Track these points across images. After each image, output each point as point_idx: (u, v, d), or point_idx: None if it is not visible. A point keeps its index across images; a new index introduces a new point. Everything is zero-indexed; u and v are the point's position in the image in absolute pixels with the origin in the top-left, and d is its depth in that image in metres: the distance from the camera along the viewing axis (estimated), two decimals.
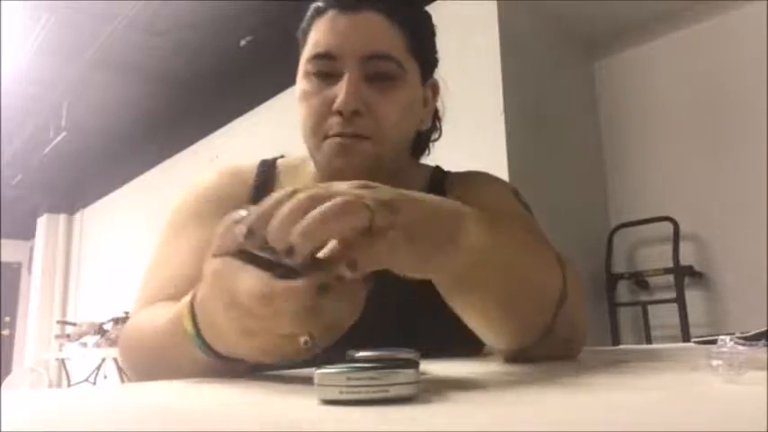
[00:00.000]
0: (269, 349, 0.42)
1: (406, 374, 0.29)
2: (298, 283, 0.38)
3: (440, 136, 0.87)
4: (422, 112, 0.77)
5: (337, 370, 0.29)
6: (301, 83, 0.72)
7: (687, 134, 2.97)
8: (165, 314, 0.54)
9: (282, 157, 0.85)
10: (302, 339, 0.39)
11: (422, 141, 0.85)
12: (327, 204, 0.37)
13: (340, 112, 0.67)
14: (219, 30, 3.65)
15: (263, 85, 3.83)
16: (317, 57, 0.69)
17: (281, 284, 0.38)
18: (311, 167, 0.77)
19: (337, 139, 0.68)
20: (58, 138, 5.09)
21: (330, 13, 0.69)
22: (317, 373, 0.30)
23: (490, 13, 2.68)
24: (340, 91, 0.67)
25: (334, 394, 0.29)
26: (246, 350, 0.43)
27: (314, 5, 0.72)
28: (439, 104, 0.83)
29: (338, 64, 0.68)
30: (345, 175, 0.70)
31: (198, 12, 3.51)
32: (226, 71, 4.08)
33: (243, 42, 3.72)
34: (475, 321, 0.50)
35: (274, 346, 0.41)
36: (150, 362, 0.57)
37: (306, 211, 0.37)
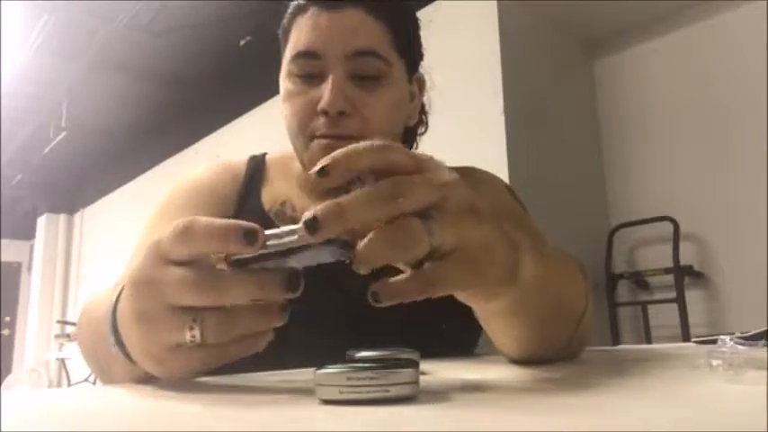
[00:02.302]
0: (156, 349, 0.36)
1: (406, 374, 0.29)
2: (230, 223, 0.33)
3: (426, 130, 0.87)
4: (408, 108, 0.76)
5: (337, 370, 0.29)
6: (285, 83, 0.71)
7: (687, 134, 2.97)
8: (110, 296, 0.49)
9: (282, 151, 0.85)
10: (188, 333, 0.33)
11: (409, 137, 0.84)
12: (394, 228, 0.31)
13: (326, 113, 0.66)
14: (219, 30, 3.65)
15: (263, 85, 3.83)
16: (300, 56, 0.68)
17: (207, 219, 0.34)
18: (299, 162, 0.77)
19: (323, 141, 0.67)
20: (58, 138, 5.09)
21: (311, 11, 0.68)
22: (317, 372, 0.30)
23: (490, 13, 2.67)
24: (325, 91, 0.66)
25: (333, 394, 0.29)
26: (137, 347, 0.37)
27: (294, 3, 0.71)
28: (425, 99, 0.82)
29: (322, 63, 0.67)
30: None
31: (198, 12, 3.51)
32: (226, 71, 4.08)
33: (243, 42, 3.72)
34: (503, 338, 0.48)
35: (163, 344, 0.35)
36: (88, 346, 0.54)
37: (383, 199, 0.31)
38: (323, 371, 0.30)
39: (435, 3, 2.69)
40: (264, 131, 3.80)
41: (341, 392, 0.29)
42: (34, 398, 0.40)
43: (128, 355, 0.39)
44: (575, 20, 3.04)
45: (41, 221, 7.01)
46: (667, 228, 2.85)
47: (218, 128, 4.51)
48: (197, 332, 0.34)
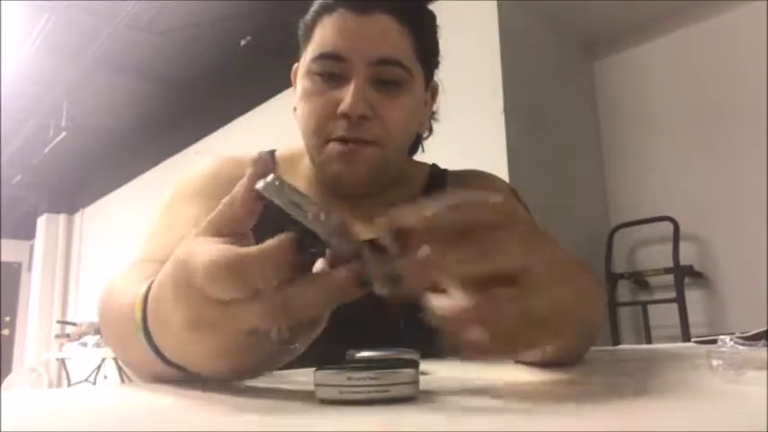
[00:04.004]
0: (225, 349, 0.33)
1: (406, 374, 0.29)
2: (276, 242, 0.30)
3: (430, 134, 0.87)
4: (422, 115, 0.77)
5: (337, 370, 0.29)
6: (304, 81, 0.70)
7: (687, 134, 2.97)
8: (133, 288, 0.46)
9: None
10: (273, 332, 0.31)
11: (415, 141, 0.85)
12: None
13: (346, 116, 0.66)
14: (219, 30, 3.65)
15: (263, 84, 3.83)
16: (324, 57, 0.67)
17: (252, 250, 0.31)
18: (308, 160, 0.77)
19: (340, 145, 0.67)
20: (58, 138, 5.09)
21: (339, 12, 0.67)
22: (317, 372, 0.30)
23: (490, 13, 2.67)
24: (347, 94, 0.65)
25: (333, 394, 0.29)
26: (193, 351, 0.35)
27: (320, 1, 0.70)
28: (435, 106, 0.83)
29: (346, 66, 0.67)
30: (346, 180, 0.70)
31: (198, 12, 3.51)
32: (226, 71, 4.09)
33: (243, 42, 3.72)
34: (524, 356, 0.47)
35: (234, 347, 0.33)
36: (113, 342, 0.53)
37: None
38: (323, 371, 0.29)
39: (435, 3, 2.69)
40: (264, 131, 3.81)
41: (341, 393, 0.29)
42: (34, 398, 0.40)
43: (167, 360, 0.38)
44: (574, 20, 3.04)
45: (41, 221, 7.01)
46: (667, 228, 2.85)
47: (218, 128, 4.51)
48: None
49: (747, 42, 2.77)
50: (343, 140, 0.67)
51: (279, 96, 3.67)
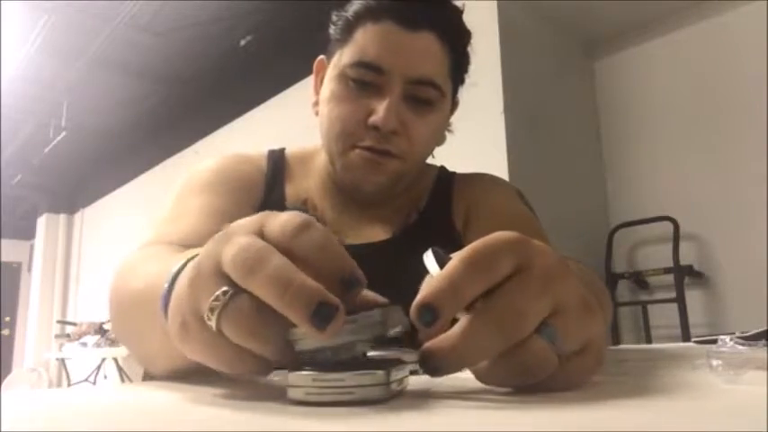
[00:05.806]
0: (188, 312, 0.32)
1: (374, 377, 0.28)
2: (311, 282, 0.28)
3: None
4: (444, 129, 0.78)
5: (306, 371, 0.29)
6: (336, 84, 0.70)
7: (687, 134, 2.97)
8: (165, 257, 0.46)
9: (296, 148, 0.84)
10: (208, 305, 0.30)
11: None
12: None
13: (377, 128, 0.66)
14: (219, 30, 3.65)
15: (263, 84, 3.83)
16: (363, 65, 0.67)
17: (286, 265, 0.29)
18: (320, 160, 0.77)
19: (367, 154, 0.68)
20: (58, 138, 5.09)
21: (385, 23, 0.67)
22: (289, 373, 0.29)
23: (490, 13, 2.68)
24: (380, 107, 0.66)
25: (299, 395, 0.28)
26: (175, 305, 0.33)
27: (366, 5, 0.69)
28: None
29: (383, 78, 0.67)
30: (366, 187, 0.70)
31: (198, 12, 3.51)
32: (226, 71, 4.08)
33: (243, 42, 3.72)
34: None
35: (193, 308, 0.31)
36: (124, 320, 0.52)
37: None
38: (294, 372, 0.29)
39: None
40: (265, 131, 3.81)
41: (307, 394, 0.28)
42: (34, 398, 0.40)
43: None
44: (575, 20, 3.03)
45: (41, 221, 7.01)
46: (667, 228, 2.85)
47: (217, 128, 4.51)
48: (217, 309, 0.29)
49: (747, 42, 2.77)
50: (370, 150, 0.68)
51: (279, 96, 3.67)
